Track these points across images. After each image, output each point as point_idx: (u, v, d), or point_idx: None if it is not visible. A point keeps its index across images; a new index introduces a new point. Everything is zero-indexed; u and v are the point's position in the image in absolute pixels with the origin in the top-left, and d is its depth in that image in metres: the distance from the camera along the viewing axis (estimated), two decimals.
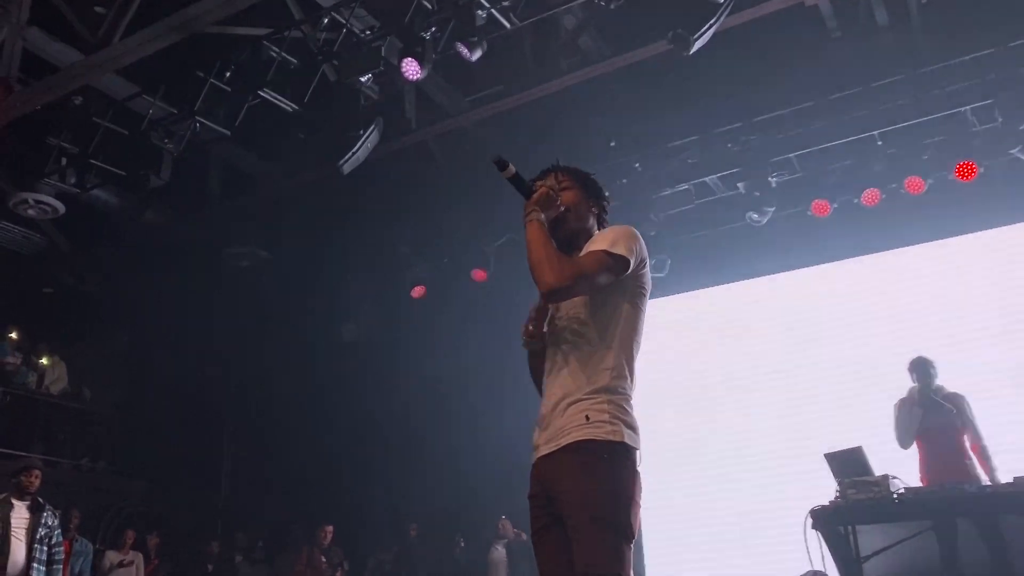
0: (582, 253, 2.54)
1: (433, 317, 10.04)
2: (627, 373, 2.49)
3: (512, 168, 2.51)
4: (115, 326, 11.03)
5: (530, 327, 2.59)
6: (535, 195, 2.53)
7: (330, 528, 9.49)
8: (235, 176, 9.54)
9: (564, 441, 2.38)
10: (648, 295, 2.60)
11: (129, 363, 11.54)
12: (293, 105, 7.19)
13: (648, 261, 2.59)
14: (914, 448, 5.99)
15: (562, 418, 2.42)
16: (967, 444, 5.81)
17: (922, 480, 5.82)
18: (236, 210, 9.56)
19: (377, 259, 10.01)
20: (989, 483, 5.45)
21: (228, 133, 7.40)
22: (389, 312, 10.40)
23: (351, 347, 10.57)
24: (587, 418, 2.38)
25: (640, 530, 7.83)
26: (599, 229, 2.68)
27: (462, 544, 9.42)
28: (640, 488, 2.38)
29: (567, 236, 2.56)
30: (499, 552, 8.97)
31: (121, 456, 11.19)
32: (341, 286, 10.18)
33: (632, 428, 2.42)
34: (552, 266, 2.39)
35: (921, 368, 6.05)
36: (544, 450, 2.44)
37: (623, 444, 2.37)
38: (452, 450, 9.64)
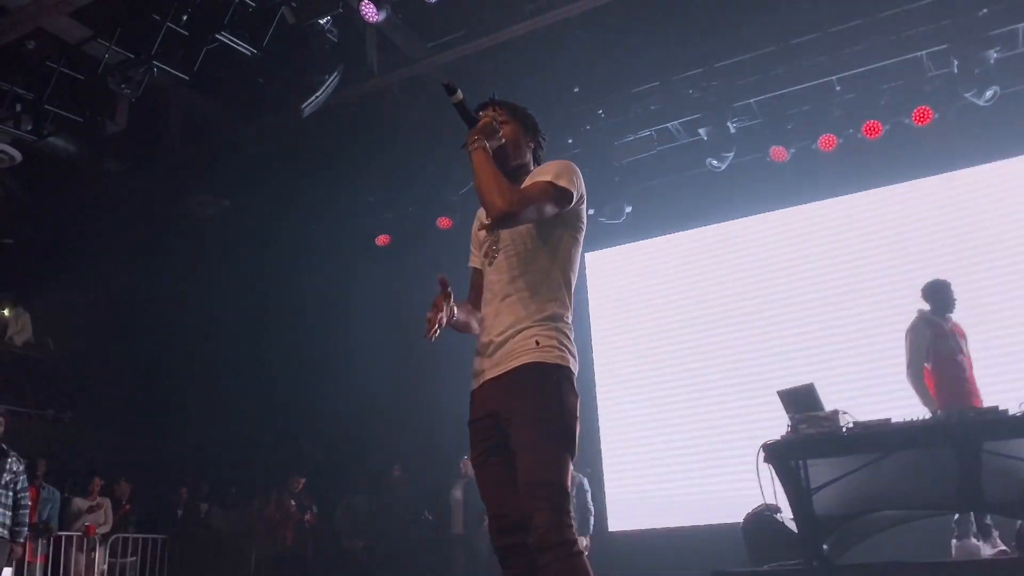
0: (525, 184, 2.59)
1: (398, 264, 10.08)
2: (568, 304, 2.60)
3: (460, 94, 2.57)
4: (77, 276, 10.90)
5: (436, 327, 2.45)
6: (479, 124, 2.58)
7: (302, 480, 9.61)
8: (195, 123, 9.41)
9: (513, 364, 2.48)
10: (584, 229, 2.68)
11: (92, 313, 11.44)
12: (252, 49, 7.08)
13: (586, 197, 2.66)
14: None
15: (511, 343, 2.50)
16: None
17: (938, 406, 5.74)
18: (196, 158, 9.45)
19: (341, 207, 9.98)
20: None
21: (186, 78, 7.30)
22: (354, 261, 10.41)
23: (315, 296, 10.59)
24: (537, 343, 2.48)
25: (601, 468, 7.97)
26: (535, 165, 2.74)
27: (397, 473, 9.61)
28: (579, 412, 2.50)
29: (507, 172, 2.59)
30: (459, 491, 9.10)
31: (87, 406, 11.17)
32: (305, 234, 10.15)
33: (574, 356, 2.56)
34: (502, 191, 2.45)
35: (939, 289, 5.95)
36: (491, 374, 2.53)
37: (568, 368, 2.50)
38: (419, 397, 9.75)
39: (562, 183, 2.52)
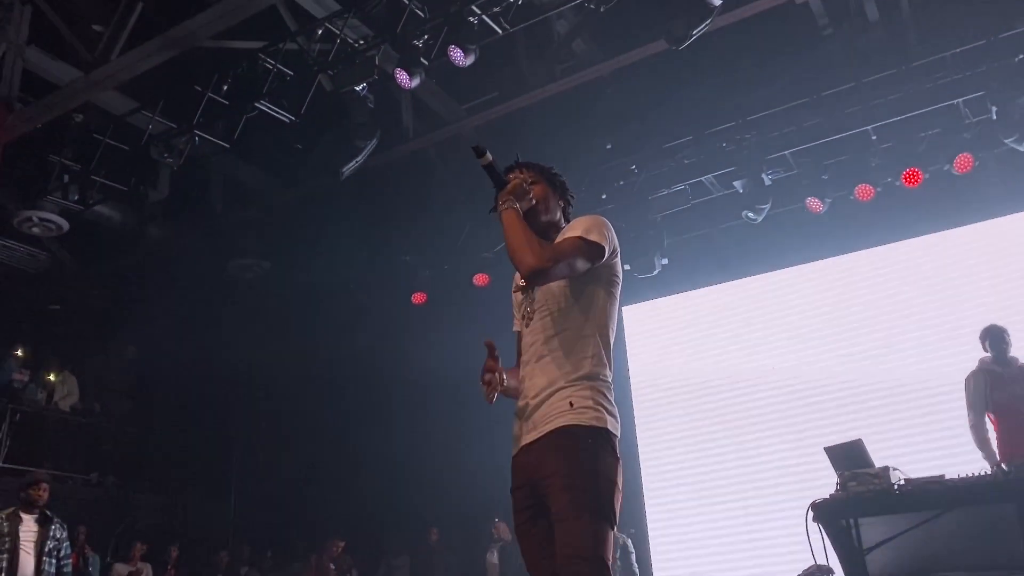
0: (556, 241, 2.57)
1: (436, 323, 10.10)
2: (606, 361, 2.53)
3: (489, 156, 2.57)
4: (122, 340, 11.10)
5: (496, 388, 2.43)
6: (509, 186, 2.57)
7: (342, 543, 9.54)
8: (236, 189, 9.62)
9: (547, 428, 2.41)
10: (620, 284, 2.64)
11: (137, 377, 11.60)
12: (290, 116, 7.26)
13: (620, 251, 2.62)
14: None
15: (546, 406, 2.44)
16: None
17: (1000, 459, 5.59)
18: (238, 222, 9.65)
19: (379, 268, 10.06)
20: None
21: (227, 146, 7.49)
22: (393, 319, 10.45)
23: (359, 356, 10.63)
24: (571, 405, 2.41)
25: (645, 525, 7.77)
26: (565, 223, 2.72)
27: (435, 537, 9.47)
28: (621, 474, 2.41)
29: (538, 229, 2.57)
30: (494, 555, 8.96)
31: (130, 470, 11.25)
32: (344, 295, 10.24)
33: (613, 416, 2.46)
34: (533, 249, 2.43)
35: (994, 335, 5.80)
36: (527, 439, 2.47)
37: (606, 430, 2.41)
38: (459, 457, 9.67)
39: (593, 237, 2.50)
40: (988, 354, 5.83)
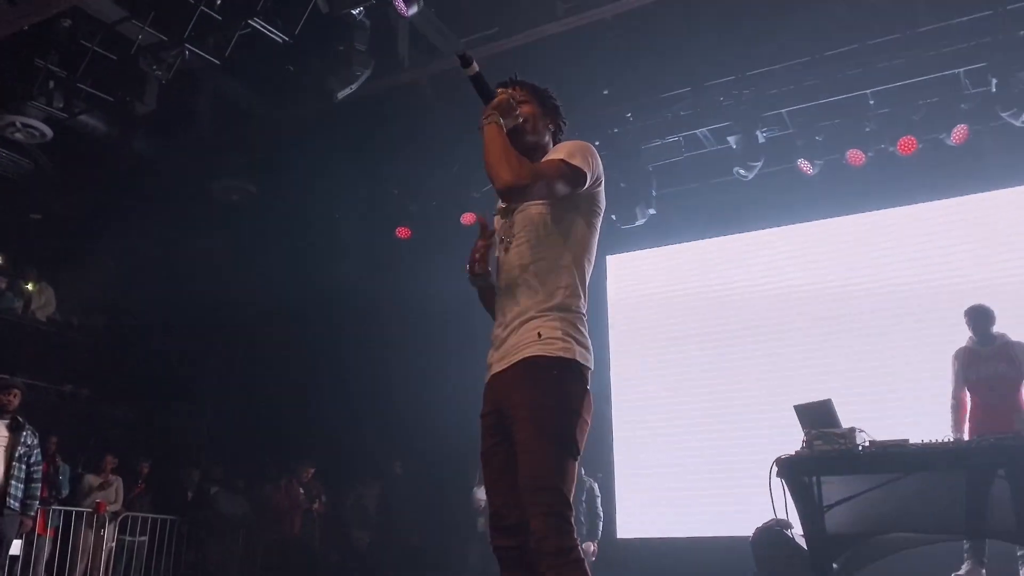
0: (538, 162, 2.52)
1: (420, 258, 10.08)
2: (581, 292, 2.50)
3: (476, 66, 2.50)
4: (102, 253, 10.99)
5: (475, 265, 2.56)
6: (495, 99, 2.51)
7: (311, 469, 9.64)
8: (225, 107, 9.45)
9: (515, 358, 2.41)
10: (602, 214, 2.60)
11: (114, 291, 11.53)
12: (284, 37, 7.10)
13: (603, 180, 2.57)
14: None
15: (515, 336, 2.44)
16: (1020, 397, 5.68)
17: (969, 433, 5.75)
18: (225, 142, 9.50)
19: (365, 198, 9.98)
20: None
21: (218, 62, 7.33)
22: (375, 252, 10.41)
23: (335, 285, 10.60)
24: (539, 335, 2.40)
25: (613, 474, 7.88)
26: (553, 146, 2.66)
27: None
28: (590, 407, 2.41)
29: (522, 149, 2.50)
30: (480, 491, 9.07)
31: (104, 383, 11.26)
32: (329, 223, 10.17)
33: (585, 347, 2.45)
34: (511, 164, 2.37)
35: (973, 316, 5.90)
36: (497, 367, 2.47)
37: (574, 361, 2.40)
38: (436, 391, 9.74)
39: (576, 162, 2.44)
40: (971, 333, 5.93)
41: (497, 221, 2.64)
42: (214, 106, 9.38)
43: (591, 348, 2.47)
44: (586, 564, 2.27)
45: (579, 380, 2.40)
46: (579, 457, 2.37)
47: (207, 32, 7.08)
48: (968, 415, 5.87)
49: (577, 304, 2.48)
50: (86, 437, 10.28)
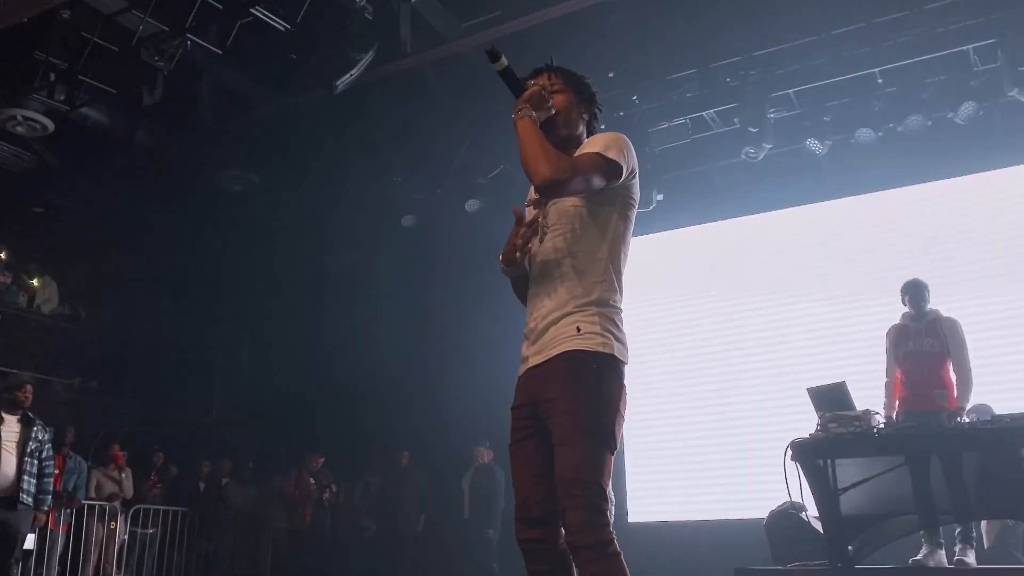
0: (574, 155, 2.47)
1: (425, 247, 10.04)
2: (617, 286, 2.47)
3: (504, 60, 2.45)
4: (106, 246, 10.97)
5: (515, 253, 2.50)
6: (526, 93, 2.46)
7: (321, 459, 9.64)
8: (228, 97, 9.38)
9: (553, 352, 2.38)
10: (636, 207, 2.56)
11: (120, 283, 11.51)
12: (286, 24, 7.04)
13: (637, 172, 2.54)
14: None
15: (553, 330, 2.40)
16: (945, 373, 5.66)
17: (898, 411, 5.76)
18: (228, 133, 9.44)
19: (369, 186, 9.93)
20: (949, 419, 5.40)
21: (219, 52, 7.27)
22: (379, 240, 10.37)
23: (340, 275, 10.58)
24: (578, 329, 2.37)
25: (623, 458, 7.84)
26: (588, 136, 2.61)
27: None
28: (625, 402, 2.39)
29: (556, 142, 2.45)
30: (468, 479, 9.07)
31: (113, 376, 11.26)
32: (332, 211, 10.12)
33: (621, 342, 2.42)
34: (549, 158, 2.33)
35: (908, 291, 5.88)
36: (533, 361, 2.44)
37: (612, 356, 2.37)
38: (443, 381, 9.73)
39: (612, 155, 2.40)
40: (907, 309, 5.88)
41: (530, 212, 2.59)
42: (216, 96, 9.32)
43: (627, 344, 2.44)
44: (622, 558, 2.24)
45: (617, 375, 2.38)
46: (615, 452, 2.34)
47: (209, 21, 7.02)
48: (898, 390, 5.84)
49: (614, 299, 2.45)
50: (94, 430, 10.28)
